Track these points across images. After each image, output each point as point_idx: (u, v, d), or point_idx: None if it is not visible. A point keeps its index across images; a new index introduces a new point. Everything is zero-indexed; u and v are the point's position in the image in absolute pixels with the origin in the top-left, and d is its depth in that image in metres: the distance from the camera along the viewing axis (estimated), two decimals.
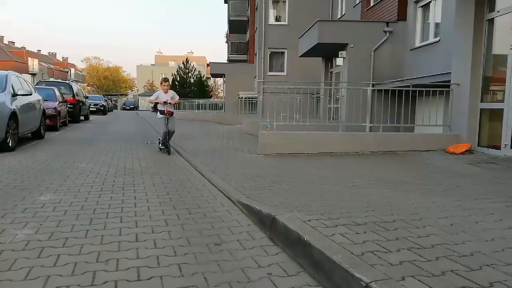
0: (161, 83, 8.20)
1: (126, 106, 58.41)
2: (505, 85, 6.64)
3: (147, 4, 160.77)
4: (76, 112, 16.84)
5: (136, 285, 2.16)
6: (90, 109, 23.32)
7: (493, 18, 7.06)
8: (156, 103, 7.96)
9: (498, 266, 2.06)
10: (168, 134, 7.84)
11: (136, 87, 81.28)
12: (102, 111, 29.34)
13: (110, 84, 78.89)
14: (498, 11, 6.93)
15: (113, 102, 54.75)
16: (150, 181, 5.06)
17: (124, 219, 3.35)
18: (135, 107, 59.19)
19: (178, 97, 8.27)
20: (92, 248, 2.68)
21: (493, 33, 7.13)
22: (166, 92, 7.99)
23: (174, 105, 8.12)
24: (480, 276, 1.92)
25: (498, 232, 2.68)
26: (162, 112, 7.88)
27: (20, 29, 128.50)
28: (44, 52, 72.42)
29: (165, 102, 7.77)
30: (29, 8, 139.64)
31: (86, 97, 21.51)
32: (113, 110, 45.11)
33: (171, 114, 7.90)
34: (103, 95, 41.27)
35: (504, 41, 6.72)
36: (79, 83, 45.46)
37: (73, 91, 17.03)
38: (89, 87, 72.25)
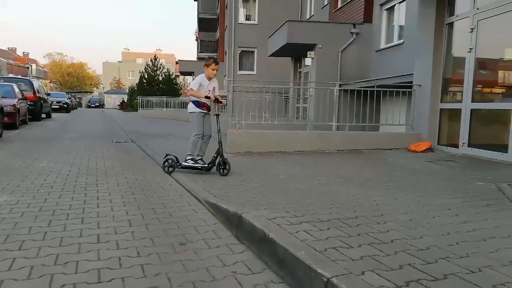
0: (207, 65, 5.21)
1: (91, 104, 56.74)
2: (463, 86, 6.96)
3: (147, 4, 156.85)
4: (37, 110, 16.16)
5: None
6: (53, 106, 22.44)
7: (452, 22, 7.38)
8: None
9: (453, 259, 2.15)
10: (205, 140, 5.39)
11: (102, 84, 78.97)
12: (66, 108, 28.33)
13: (74, 81, 76.19)
14: (457, 16, 7.25)
15: (77, 100, 53.02)
16: (114, 181, 4.92)
17: (85, 220, 3.24)
18: (101, 105, 57.54)
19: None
20: (50, 251, 2.57)
21: (452, 36, 7.45)
22: (210, 78, 5.29)
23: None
24: (435, 269, 2.00)
25: (454, 226, 2.80)
26: (197, 104, 5.27)
27: (20, 29, 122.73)
28: (3, 47, 68.98)
29: (216, 100, 5.16)
30: (29, 8, 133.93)
31: (48, 94, 20.68)
32: (77, 108, 43.67)
33: (210, 110, 5.35)
34: (66, 92, 39.81)
35: (463, 44, 7.04)
36: (40, 80, 43.62)
37: (33, 88, 16.33)
38: (51, 84, 69.51)
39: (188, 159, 5.22)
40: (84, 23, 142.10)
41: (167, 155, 5.32)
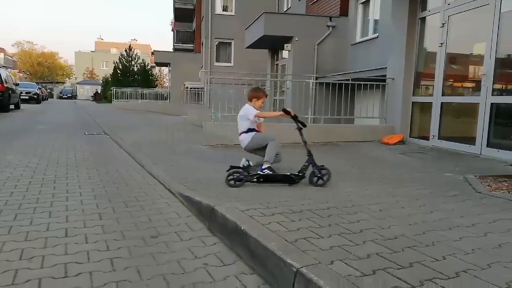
0: (258, 98, 4.79)
1: (63, 95, 55.04)
2: (434, 80, 7.14)
3: None
4: (4, 101, 15.53)
5: (63, 282, 2.05)
6: (22, 97, 21.61)
7: (425, 17, 7.53)
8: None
9: (418, 248, 2.21)
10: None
11: (74, 74, 76.65)
12: (36, 99, 27.34)
13: (45, 71, 73.58)
14: (429, 11, 7.41)
15: (48, 91, 51.33)
16: (85, 173, 4.80)
17: (53, 214, 3.15)
18: (73, 96, 55.93)
19: None
20: (15, 245, 2.49)
21: (424, 31, 7.61)
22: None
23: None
24: (401, 258, 2.06)
25: (421, 216, 2.88)
26: (253, 130, 4.75)
27: None
28: None
29: (295, 116, 4.36)
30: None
31: (17, 84, 19.88)
32: (48, 99, 42.28)
33: None
34: (36, 83, 38.42)
35: (434, 38, 7.21)
36: (8, 69, 41.89)
37: (1, 78, 15.65)
38: (20, 74, 66.89)
39: (266, 168, 4.32)
40: (53, 11, 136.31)
41: (231, 167, 4.05)
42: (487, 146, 6.02)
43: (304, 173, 4.08)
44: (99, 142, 7.96)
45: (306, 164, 4.11)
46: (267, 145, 4.45)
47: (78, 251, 2.43)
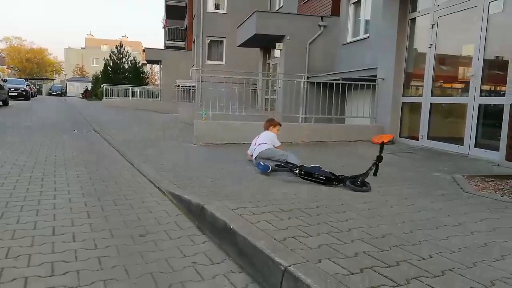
0: (274, 125, 5.78)
1: (53, 92, 54.41)
2: (423, 81, 7.21)
3: None
4: None
5: (49, 281, 2.03)
6: (10, 94, 21.28)
7: (415, 18, 7.61)
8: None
9: (405, 246, 2.24)
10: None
11: (64, 71, 75.73)
12: (24, 96, 26.95)
13: (34, 67, 72.54)
14: (419, 12, 7.48)
15: (38, 87, 50.70)
16: (73, 171, 4.75)
17: (40, 212, 3.11)
18: (63, 93, 55.31)
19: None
20: (1, 244, 2.45)
21: (414, 31, 7.69)
22: None
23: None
24: (388, 256, 2.08)
25: (409, 215, 2.91)
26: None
27: None
28: None
29: None
30: None
31: (5, 81, 19.58)
32: (38, 96, 41.76)
33: None
34: (25, 79, 37.87)
35: (424, 39, 7.28)
36: None
37: None
38: (9, 70, 65.88)
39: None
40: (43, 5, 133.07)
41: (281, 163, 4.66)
42: (475, 147, 6.10)
43: (347, 179, 3.98)
44: (89, 140, 7.88)
45: (354, 175, 4.04)
46: (279, 159, 4.89)
47: (66, 250, 2.40)
